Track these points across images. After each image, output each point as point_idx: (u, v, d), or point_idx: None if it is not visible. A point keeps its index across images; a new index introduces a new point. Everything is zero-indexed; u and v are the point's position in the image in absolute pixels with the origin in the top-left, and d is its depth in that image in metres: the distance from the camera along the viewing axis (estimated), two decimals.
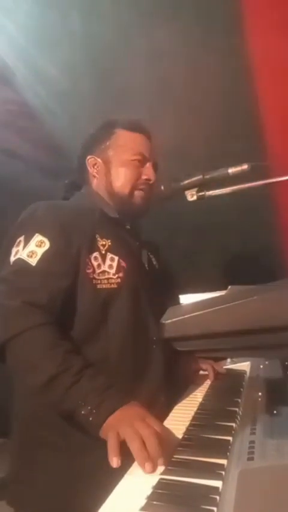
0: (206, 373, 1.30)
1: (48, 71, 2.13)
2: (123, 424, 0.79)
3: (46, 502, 0.97)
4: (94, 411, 0.83)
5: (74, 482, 0.95)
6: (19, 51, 2.13)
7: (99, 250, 1.07)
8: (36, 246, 1.00)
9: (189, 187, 0.98)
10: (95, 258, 1.05)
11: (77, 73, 2.12)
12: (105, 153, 1.21)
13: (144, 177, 1.19)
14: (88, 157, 1.23)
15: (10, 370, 0.95)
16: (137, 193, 1.19)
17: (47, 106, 2.34)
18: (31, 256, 0.98)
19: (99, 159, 1.22)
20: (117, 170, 1.19)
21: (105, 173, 1.20)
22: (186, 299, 1.46)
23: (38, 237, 1.01)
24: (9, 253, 1.02)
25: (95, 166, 1.23)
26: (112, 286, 1.05)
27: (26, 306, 0.92)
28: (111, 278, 1.05)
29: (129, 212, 1.21)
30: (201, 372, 1.33)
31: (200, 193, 0.97)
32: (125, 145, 1.20)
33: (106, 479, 0.71)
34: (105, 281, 1.05)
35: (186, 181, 0.98)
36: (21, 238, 1.02)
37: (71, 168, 1.32)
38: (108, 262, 1.07)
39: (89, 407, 0.83)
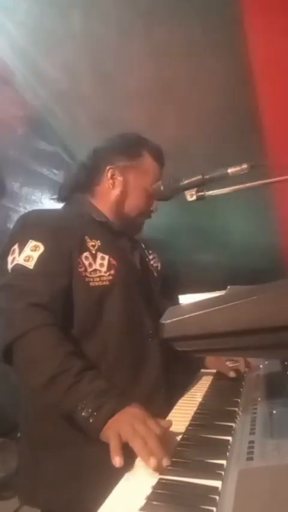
0: (207, 371, 1.31)
1: (48, 71, 2.13)
2: (124, 426, 0.80)
3: (55, 496, 0.99)
4: (95, 413, 0.83)
5: (80, 476, 0.97)
6: (19, 51, 2.13)
7: (89, 250, 1.10)
8: (31, 250, 1.03)
9: (189, 187, 0.97)
10: (86, 257, 1.08)
11: (77, 73, 2.12)
12: (128, 172, 1.22)
13: (153, 208, 1.26)
14: (108, 166, 1.23)
15: (15, 370, 0.96)
16: (141, 219, 1.27)
17: (47, 106, 2.34)
18: (28, 261, 1.01)
19: (119, 175, 1.22)
20: (134, 193, 1.22)
21: (121, 190, 1.22)
22: (186, 299, 1.46)
23: (32, 243, 1.04)
24: (5, 263, 1.05)
25: (113, 178, 1.23)
26: (104, 283, 1.08)
27: (32, 307, 0.95)
28: (102, 276, 1.08)
29: (126, 229, 1.26)
30: (202, 370, 1.34)
31: (200, 193, 0.97)
32: (148, 174, 1.23)
33: (111, 473, 0.72)
34: (98, 279, 1.08)
35: (186, 181, 0.98)
36: (15, 246, 1.05)
37: (70, 169, 1.32)
38: (99, 261, 1.10)
39: (90, 410, 0.84)
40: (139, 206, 1.23)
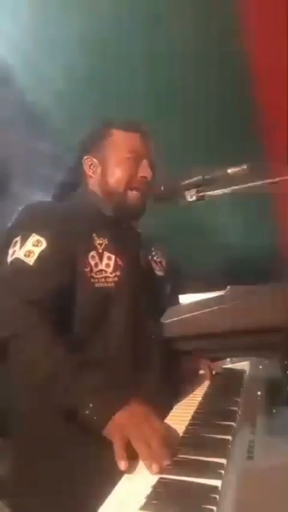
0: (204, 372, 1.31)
1: (48, 71, 2.13)
2: (128, 425, 0.79)
3: (47, 503, 0.95)
4: (97, 409, 0.82)
5: (75, 481, 0.94)
6: (19, 51, 2.13)
7: (96, 249, 1.08)
8: (33, 245, 1.00)
9: (189, 187, 0.98)
10: (92, 256, 1.06)
11: (77, 73, 2.12)
12: (101, 153, 1.22)
13: (139, 174, 1.19)
14: (84, 157, 1.24)
15: (9, 370, 0.95)
16: (131, 193, 1.18)
17: (47, 106, 2.34)
18: (28, 256, 0.99)
19: (95, 160, 1.23)
20: (112, 169, 1.19)
21: (101, 173, 1.21)
22: (186, 299, 1.46)
23: (34, 237, 1.01)
24: (5, 254, 1.02)
25: (91, 167, 1.23)
26: (110, 284, 1.06)
27: (24, 305, 0.92)
28: (108, 277, 1.06)
29: (123, 212, 1.21)
30: (200, 372, 1.34)
31: (200, 194, 0.97)
32: (120, 145, 1.20)
33: (111, 475, 0.71)
34: (103, 280, 1.05)
35: (186, 182, 0.98)
36: (18, 238, 1.03)
37: (68, 168, 1.32)
38: (105, 261, 1.08)
39: (91, 405, 0.82)
40: (120, 175, 1.18)
